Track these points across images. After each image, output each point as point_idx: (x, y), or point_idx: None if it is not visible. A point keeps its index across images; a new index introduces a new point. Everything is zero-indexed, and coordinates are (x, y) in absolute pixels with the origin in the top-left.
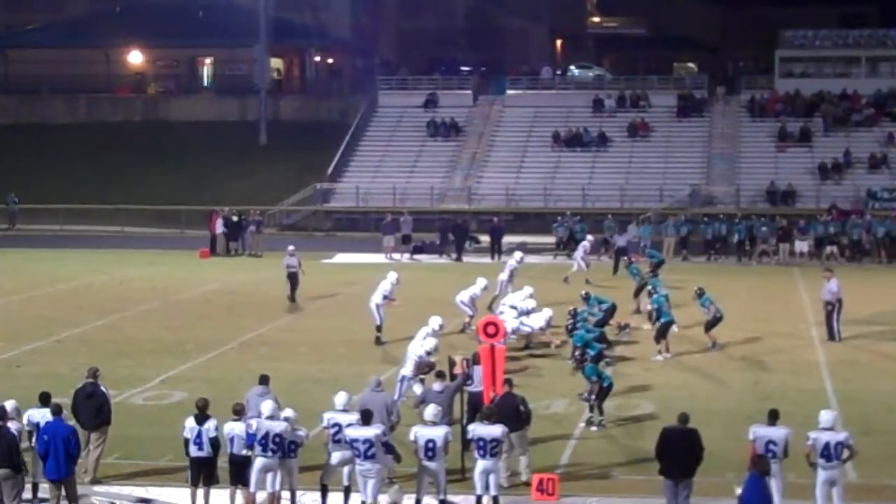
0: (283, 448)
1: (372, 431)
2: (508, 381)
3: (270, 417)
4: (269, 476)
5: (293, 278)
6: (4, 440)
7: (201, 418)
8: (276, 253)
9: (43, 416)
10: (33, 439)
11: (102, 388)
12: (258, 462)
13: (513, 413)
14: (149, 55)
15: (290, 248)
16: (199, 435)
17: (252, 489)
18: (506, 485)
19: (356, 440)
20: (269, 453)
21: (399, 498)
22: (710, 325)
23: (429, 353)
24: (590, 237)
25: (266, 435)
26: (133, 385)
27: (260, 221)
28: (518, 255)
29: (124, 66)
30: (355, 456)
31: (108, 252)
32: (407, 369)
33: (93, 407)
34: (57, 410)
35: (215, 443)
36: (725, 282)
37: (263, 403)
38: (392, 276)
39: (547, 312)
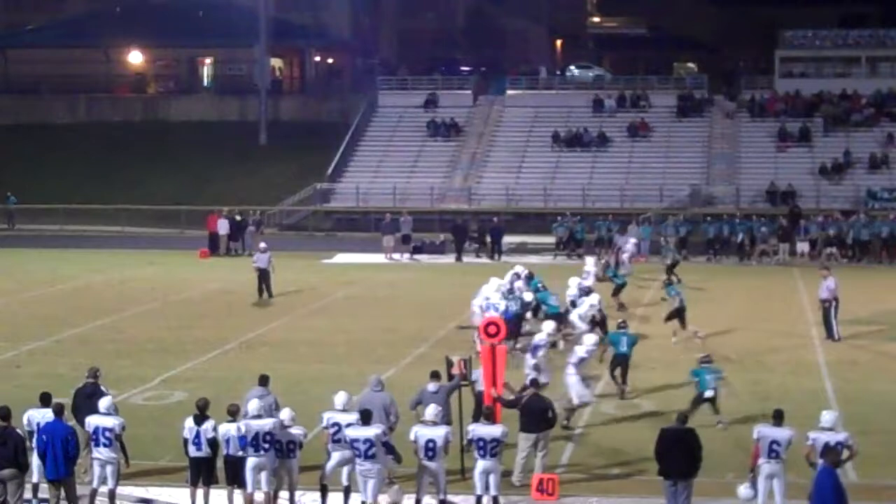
0: (275, 445)
1: (372, 431)
2: (534, 383)
3: (256, 416)
4: (264, 475)
5: (262, 275)
6: (11, 440)
7: (200, 419)
8: (276, 253)
9: (43, 416)
10: (33, 440)
11: (103, 389)
12: (250, 461)
13: (541, 414)
14: (149, 55)
15: (262, 245)
16: (197, 435)
17: (249, 489)
18: (518, 484)
19: (356, 440)
20: (261, 452)
21: (399, 498)
22: (672, 315)
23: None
24: (633, 239)
25: (256, 435)
26: (133, 385)
27: (260, 221)
28: (520, 269)
29: (124, 66)
30: (355, 456)
31: (108, 252)
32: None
33: (93, 407)
34: (58, 410)
35: (214, 443)
36: (725, 282)
37: (250, 403)
38: (501, 281)
39: (594, 296)
